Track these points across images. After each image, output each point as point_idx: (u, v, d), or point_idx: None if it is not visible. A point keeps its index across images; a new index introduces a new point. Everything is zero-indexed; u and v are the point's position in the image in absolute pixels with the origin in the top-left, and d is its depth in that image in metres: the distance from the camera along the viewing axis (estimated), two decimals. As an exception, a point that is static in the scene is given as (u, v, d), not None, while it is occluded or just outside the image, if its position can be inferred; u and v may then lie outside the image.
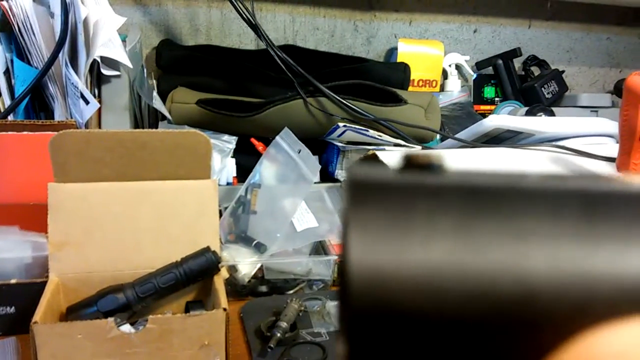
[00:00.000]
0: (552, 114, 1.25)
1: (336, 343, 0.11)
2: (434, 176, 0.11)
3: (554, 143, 1.01)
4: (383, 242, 0.10)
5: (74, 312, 0.61)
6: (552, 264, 0.10)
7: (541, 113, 1.23)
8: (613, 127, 1.06)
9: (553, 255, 0.10)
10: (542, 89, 1.35)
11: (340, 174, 1.03)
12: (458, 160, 0.92)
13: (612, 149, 0.89)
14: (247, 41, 1.25)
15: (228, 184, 0.95)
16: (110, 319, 0.56)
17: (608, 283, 0.10)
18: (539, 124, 1.05)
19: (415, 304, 0.09)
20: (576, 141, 1.04)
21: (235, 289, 0.77)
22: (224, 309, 0.58)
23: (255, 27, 1.05)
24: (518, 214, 0.11)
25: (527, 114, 1.24)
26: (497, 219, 0.10)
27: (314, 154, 0.90)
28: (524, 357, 0.10)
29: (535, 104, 1.28)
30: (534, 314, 0.10)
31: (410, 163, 0.11)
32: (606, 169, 0.90)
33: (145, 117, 1.04)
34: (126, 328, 0.57)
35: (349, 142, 1.03)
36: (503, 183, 0.11)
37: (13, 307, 0.65)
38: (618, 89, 1.41)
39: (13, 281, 0.64)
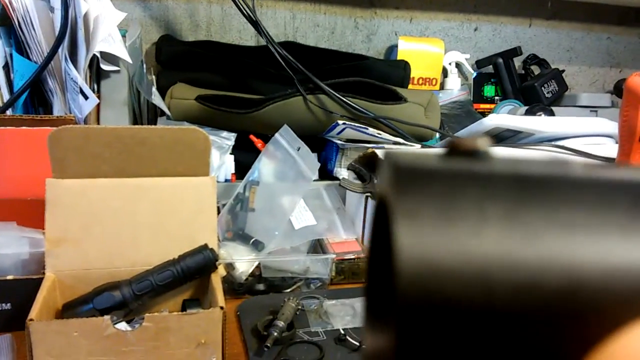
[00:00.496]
0: (551, 113, 1.25)
1: (366, 337, 0.10)
2: (481, 163, 0.11)
3: (553, 143, 1.01)
4: (432, 231, 0.10)
5: (70, 309, 0.61)
6: (599, 256, 0.10)
7: (541, 112, 1.23)
8: (612, 127, 1.06)
9: (600, 246, 0.10)
10: (542, 88, 1.34)
11: (339, 171, 1.03)
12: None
13: (611, 149, 0.89)
14: (247, 37, 1.24)
15: (226, 180, 0.95)
16: (107, 317, 0.55)
17: None
18: (539, 123, 1.04)
19: (466, 295, 0.09)
20: (575, 141, 1.04)
21: (233, 286, 0.77)
22: (221, 308, 0.58)
23: (255, 24, 1.05)
24: (567, 205, 0.10)
25: (527, 113, 1.24)
26: (546, 209, 0.10)
27: (313, 151, 0.89)
28: (571, 349, 0.10)
29: (535, 103, 1.28)
30: (580, 305, 0.10)
31: (455, 149, 0.11)
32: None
33: (144, 113, 1.04)
34: (122, 326, 0.57)
35: (348, 140, 1.03)
36: (552, 172, 0.11)
37: (9, 304, 0.64)
38: (618, 89, 1.41)
39: (9, 277, 0.64)
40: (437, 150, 0.10)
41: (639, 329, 0.10)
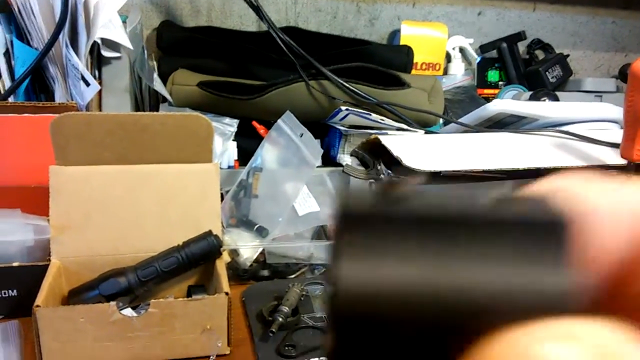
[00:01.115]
0: (556, 98, 1.24)
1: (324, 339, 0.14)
2: (401, 207, 0.13)
3: (557, 128, 1.00)
4: (362, 265, 0.13)
5: (76, 295, 0.61)
6: (483, 281, 0.13)
7: (545, 97, 1.23)
8: (617, 112, 1.05)
9: (486, 275, 0.13)
10: (547, 73, 1.33)
11: (342, 158, 1.02)
12: (462, 144, 0.91)
13: (616, 134, 0.89)
14: (249, 23, 1.24)
15: (229, 167, 0.95)
16: (112, 303, 0.56)
17: (482, 296, 0.13)
18: (543, 109, 1.04)
19: (389, 311, 0.13)
20: (580, 126, 1.03)
21: (237, 273, 0.77)
22: (226, 293, 0.58)
23: (256, 9, 1.04)
24: (466, 240, 0.13)
25: (531, 98, 1.23)
26: (449, 244, 0.13)
27: (315, 137, 0.89)
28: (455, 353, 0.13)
29: (540, 88, 1.27)
30: (455, 321, 0.13)
31: (386, 192, 0.14)
32: (610, 155, 0.89)
33: (146, 99, 1.04)
34: (128, 312, 0.57)
35: (351, 126, 1.02)
36: (459, 211, 0.13)
37: (15, 290, 0.65)
38: (623, 74, 1.40)
39: (15, 264, 0.64)
40: (378, 190, 0.13)
41: (496, 338, 0.12)
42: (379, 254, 0.13)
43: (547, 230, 0.13)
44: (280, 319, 0.64)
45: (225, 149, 0.93)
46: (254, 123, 1.00)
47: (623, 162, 0.86)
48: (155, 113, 0.69)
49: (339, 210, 0.13)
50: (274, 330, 0.62)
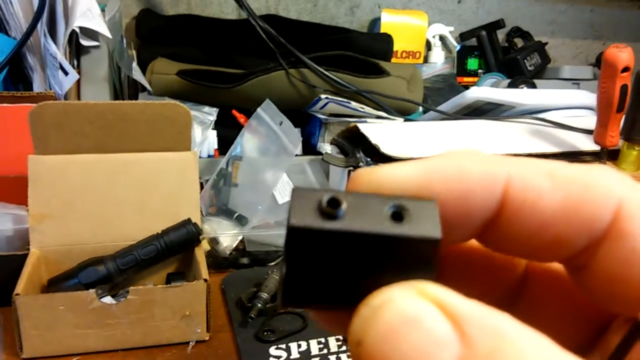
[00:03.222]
0: (533, 86, 1.26)
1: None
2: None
3: (534, 115, 1.02)
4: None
5: (55, 284, 0.62)
6: None
7: (523, 85, 1.24)
8: (593, 99, 1.07)
9: None
10: (525, 61, 1.35)
11: (322, 146, 1.03)
12: (440, 132, 0.92)
13: (591, 121, 0.91)
14: (229, 10, 1.23)
15: (209, 156, 0.95)
16: (92, 290, 0.56)
17: None
18: (520, 96, 1.05)
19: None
20: (556, 113, 1.05)
21: (217, 261, 0.78)
22: (205, 280, 0.59)
23: (236, -3, 1.04)
24: None
25: (510, 85, 1.25)
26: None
27: (296, 126, 0.90)
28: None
29: (518, 76, 1.29)
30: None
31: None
32: (584, 141, 0.91)
33: (125, 89, 1.03)
34: (107, 299, 0.58)
35: (331, 115, 1.03)
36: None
37: (-6, 280, 0.65)
38: (600, 62, 1.41)
39: (-6, 253, 0.64)
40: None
41: None
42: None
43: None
44: (259, 305, 0.64)
45: (205, 138, 0.93)
46: (234, 112, 1.00)
47: (597, 147, 0.88)
48: (133, 102, 0.69)
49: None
50: (252, 316, 0.63)
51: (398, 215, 0.16)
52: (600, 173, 0.17)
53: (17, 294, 0.54)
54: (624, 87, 0.80)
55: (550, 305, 0.21)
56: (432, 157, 0.18)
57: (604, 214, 0.17)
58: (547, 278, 0.21)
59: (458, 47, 1.40)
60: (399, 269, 0.16)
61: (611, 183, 0.17)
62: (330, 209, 0.16)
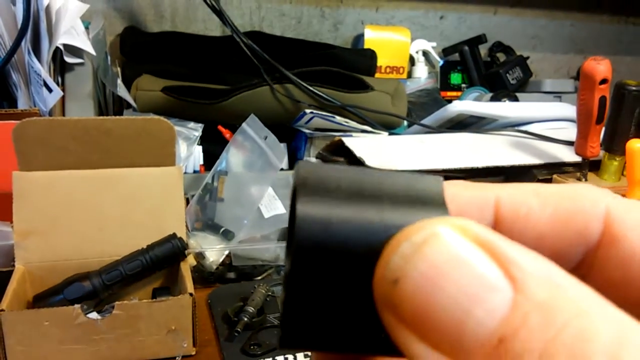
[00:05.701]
0: (516, 99, 1.27)
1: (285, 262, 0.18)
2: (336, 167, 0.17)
3: (516, 128, 1.03)
4: (320, 202, 0.16)
5: (41, 300, 0.61)
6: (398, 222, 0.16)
7: (505, 99, 1.26)
8: (574, 112, 1.08)
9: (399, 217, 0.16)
10: (507, 75, 1.37)
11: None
12: (424, 145, 0.93)
13: (572, 133, 0.92)
14: (213, 27, 1.24)
15: (195, 171, 0.95)
16: (77, 306, 0.56)
17: None
18: (502, 109, 1.07)
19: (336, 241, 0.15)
20: (538, 126, 1.06)
21: (203, 275, 0.78)
22: (190, 294, 0.59)
23: (219, 13, 1.05)
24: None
25: (492, 99, 1.27)
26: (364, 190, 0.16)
27: (281, 141, 0.90)
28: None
29: (500, 90, 1.30)
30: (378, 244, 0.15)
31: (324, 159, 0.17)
32: (565, 153, 0.92)
33: (110, 105, 1.04)
34: (93, 315, 0.57)
35: (316, 129, 1.04)
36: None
37: (-22, 297, 0.64)
38: (580, 75, 1.44)
39: (-23, 271, 0.64)
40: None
41: None
42: (324, 198, 0.16)
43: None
44: (246, 319, 0.64)
45: (191, 154, 0.94)
46: (220, 127, 1.00)
47: (578, 159, 0.89)
48: (117, 117, 0.70)
49: (295, 174, 0.16)
50: (239, 329, 0.63)
51: None
52: (583, 187, 0.18)
53: (1, 310, 0.54)
54: (602, 99, 0.82)
55: None
56: None
57: (594, 221, 0.17)
58: None
59: (441, 62, 1.42)
60: None
61: (595, 194, 0.17)
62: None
